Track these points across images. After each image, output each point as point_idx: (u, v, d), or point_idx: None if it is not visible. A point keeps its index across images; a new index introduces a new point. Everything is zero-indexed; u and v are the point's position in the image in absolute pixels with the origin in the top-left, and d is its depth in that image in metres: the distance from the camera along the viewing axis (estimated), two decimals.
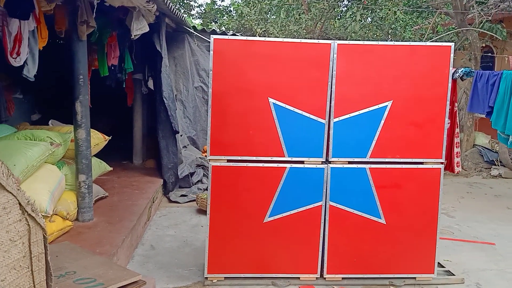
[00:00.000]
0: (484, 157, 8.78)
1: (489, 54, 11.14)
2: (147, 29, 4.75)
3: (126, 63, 5.86)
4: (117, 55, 5.56)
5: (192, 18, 21.98)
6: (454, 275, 4.02)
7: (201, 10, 21.74)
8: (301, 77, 3.63)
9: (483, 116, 6.35)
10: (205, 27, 8.25)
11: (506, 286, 3.90)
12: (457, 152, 4.72)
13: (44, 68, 4.90)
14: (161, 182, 6.28)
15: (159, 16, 5.68)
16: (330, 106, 3.67)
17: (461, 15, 8.50)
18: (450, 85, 3.75)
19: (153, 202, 5.62)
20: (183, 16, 6.59)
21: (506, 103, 5.20)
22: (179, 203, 6.18)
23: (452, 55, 3.73)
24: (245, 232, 3.74)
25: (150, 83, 6.92)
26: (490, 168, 8.64)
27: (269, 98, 3.62)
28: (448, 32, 9.67)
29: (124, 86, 6.47)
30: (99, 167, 5.00)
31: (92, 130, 4.70)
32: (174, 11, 5.69)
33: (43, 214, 3.67)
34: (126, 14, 4.88)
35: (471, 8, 8.32)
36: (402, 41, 10.90)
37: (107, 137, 5.07)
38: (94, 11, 3.89)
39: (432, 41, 9.29)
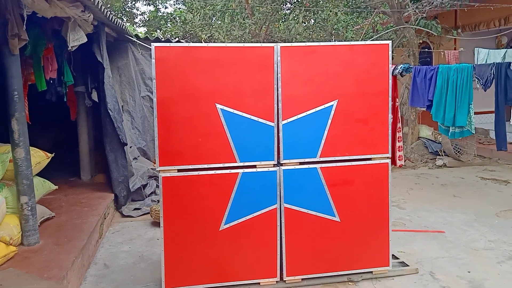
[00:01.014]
0: (429, 148, 9.16)
1: (426, 49, 11.69)
2: (85, 39, 4.57)
3: (65, 76, 5.60)
4: (55, 68, 5.30)
5: (136, 26, 21.53)
6: (408, 265, 4.13)
7: (144, 18, 21.35)
8: (247, 81, 3.62)
9: (424, 109, 6.65)
10: (148, 35, 8.09)
11: (458, 272, 4.06)
12: (399, 146, 4.89)
13: None
14: (113, 196, 6.06)
15: (97, 25, 5.49)
16: (277, 108, 3.68)
17: (397, 13, 8.84)
18: (390, 81, 3.86)
19: (105, 218, 5.41)
20: (123, 24, 6.41)
21: (443, 96, 5.44)
22: (132, 217, 5.99)
23: (390, 52, 3.84)
24: (201, 241, 3.67)
25: (94, 95, 6.68)
26: (435, 158, 9.02)
27: (216, 104, 3.57)
28: (387, 30, 10.03)
29: (65, 99, 6.19)
30: (43, 186, 4.75)
31: (32, 148, 4.45)
32: (113, 19, 5.52)
33: None
34: (62, 25, 4.68)
35: (406, 7, 8.67)
36: (344, 40, 11.21)
37: (49, 154, 4.82)
38: (25, 23, 3.68)
39: (373, 40, 9.60)
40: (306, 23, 11.36)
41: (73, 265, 3.79)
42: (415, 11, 8.30)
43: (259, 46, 3.63)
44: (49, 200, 5.49)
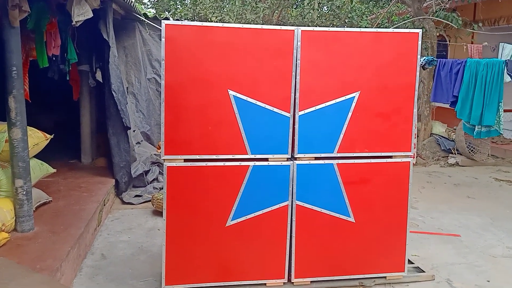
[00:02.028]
0: (441, 145, 8.86)
1: (442, 42, 11.29)
2: (90, 14, 4.28)
3: (69, 53, 5.32)
4: (59, 44, 5.02)
5: (145, 7, 21.10)
6: (424, 271, 3.89)
7: None
8: (263, 67, 3.33)
9: (440, 105, 6.31)
10: (157, 15, 7.76)
11: (476, 280, 3.81)
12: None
13: None
14: (113, 182, 5.82)
15: (105, 1, 5.19)
16: (294, 98, 3.40)
17: (417, 3, 8.47)
18: (418, 73, 3.57)
19: (104, 205, 5.17)
20: (131, 2, 6.10)
21: (471, 92, 5.12)
22: (133, 204, 5.75)
23: (420, 42, 3.54)
24: (206, 237, 3.42)
25: (98, 75, 6.39)
26: (447, 156, 8.73)
27: (229, 90, 3.29)
28: (404, 21, 9.66)
29: (68, 78, 5.91)
30: (40, 169, 4.50)
31: (30, 128, 4.20)
32: None
33: None
34: None
35: None
36: None
37: (48, 135, 4.56)
38: None
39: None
40: (320, 10, 10.99)
41: (68, 256, 3.57)
42: (438, 0, 7.93)
43: (279, 29, 3.33)
44: (47, 183, 5.25)
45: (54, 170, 4.75)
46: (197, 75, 3.26)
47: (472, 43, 10.12)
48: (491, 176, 7.63)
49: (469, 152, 8.39)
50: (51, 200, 4.74)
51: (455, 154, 8.67)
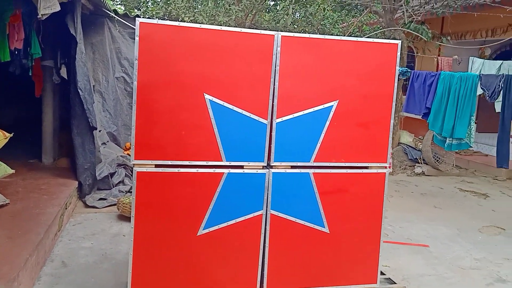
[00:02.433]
0: (409, 155, 9.01)
1: (409, 54, 11.54)
2: (57, 8, 4.04)
3: (32, 48, 5.03)
4: (22, 37, 4.74)
5: (113, 4, 20.59)
6: (395, 283, 3.87)
7: None
8: (241, 72, 3.22)
9: (408, 115, 6.33)
10: (127, 13, 7.51)
11: None
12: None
13: None
14: (76, 184, 5.55)
15: None
16: (272, 105, 3.30)
17: (389, 14, 8.59)
18: (396, 84, 3.55)
19: (66, 208, 4.91)
20: None
21: (443, 104, 5.18)
22: (97, 208, 5.50)
23: (399, 53, 3.53)
24: (176, 246, 3.26)
25: (63, 72, 6.10)
26: (414, 166, 8.88)
27: (205, 94, 3.16)
28: (376, 31, 9.79)
29: (30, 74, 5.60)
30: None
31: None
32: None
33: None
34: None
35: (403, 6, 8.38)
36: None
37: (8, 134, 4.28)
38: None
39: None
40: (293, 16, 10.99)
41: (26, 264, 3.33)
42: (409, 11, 8.05)
43: (258, 33, 3.23)
44: (4, 184, 4.95)
45: (13, 171, 4.47)
46: (172, 77, 3.11)
47: (439, 55, 10.39)
48: (456, 186, 7.81)
49: (435, 162, 8.56)
50: (9, 203, 4.46)
51: (421, 163, 8.83)
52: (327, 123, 3.42)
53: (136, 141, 3.10)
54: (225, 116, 3.21)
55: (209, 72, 3.15)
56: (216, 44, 3.14)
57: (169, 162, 3.17)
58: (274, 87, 3.28)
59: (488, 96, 5.34)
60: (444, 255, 4.66)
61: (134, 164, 3.12)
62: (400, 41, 3.52)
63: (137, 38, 2.99)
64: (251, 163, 3.32)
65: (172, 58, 3.10)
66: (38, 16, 3.82)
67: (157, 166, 3.16)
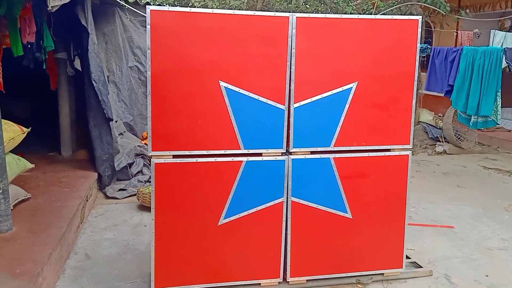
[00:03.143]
0: (429, 133, 8.81)
1: (426, 29, 11.20)
2: None
3: (45, 41, 5.00)
4: (34, 30, 4.71)
5: None
6: (421, 267, 3.79)
7: None
8: (256, 57, 3.13)
9: (427, 92, 6.12)
10: (137, 0, 7.41)
11: (475, 275, 3.73)
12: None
13: None
14: (96, 176, 5.56)
15: None
16: (289, 89, 3.21)
17: None
18: (418, 62, 3.42)
19: (87, 200, 4.93)
20: None
21: (467, 81, 4.98)
22: (117, 198, 5.52)
23: (419, 29, 3.38)
24: (197, 237, 3.24)
25: (77, 63, 6.08)
26: (435, 144, 8.69)
27: (219, 81, 3.08)
28: (391, 7, 9.50)
29: (44, 67, 5.59)
30: (17, 165, 4.23)
31: (5, 121, 3.94)
32: None
33: None
34: None
35: None
36: None
37: (25, 129, 4.28)
38: None
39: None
40: None
41: (50, 258, 3.34)
42: None
43: (272, 16, 3.12)
44: (25, 179, 4.97)
45: (32, 166, 4.48)
46: (185, 65, 3.04)
47: (457, 29, 10.06)
48: (479, 164, 7.61)
49: (457, 140, 8.35)
50: (30, 197, 4.48)
51: (442, 142, 8.63)
52: (347, 106, 3.32)
53: (152, 132, 3.06)
54: (241, 103, 3.14)
55: (223, 58, 3.07)
56: (228, 29, 3.05)
57: (187, 152, 3.13)
58: (290, 71, 3.18)
59: None
60: (470, 236, 4.55)
61: (151, 155, 3.09)
62: (420, 17, 3.37)
63: (148, 27, 2.92)
64: (270, 150, 3.26)
65: (185, 45, 3.02)
66: (48, 9, 3.77)
67: (174, 156, 3.12)
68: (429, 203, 5.61)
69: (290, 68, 3.18)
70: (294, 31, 3.15)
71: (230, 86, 3.10)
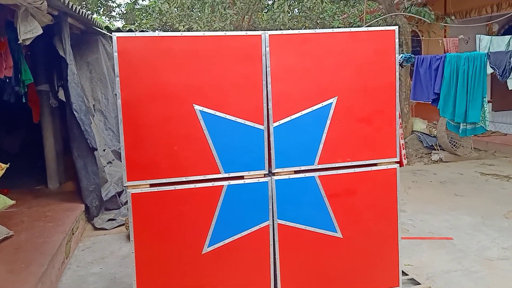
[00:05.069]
0: (424, 142, 8.71)
1: (415, 38, 11.21)
2: (39, 31, 3.91)
3: (23, 74, 4.93)
4: (11, 65, 4.65)
5: (113, 20, 20.67)
6: (419, 283, 3.63)
7: (121, 10, 20.52)
8: (230, 78, 3.03)
9: (429, 103, 6.03)
10: (120, 28, 7.41)
11: None
12: (402, 143, 4.37)
13: None
14: (83, 207, 5.43)
15: (58, 15, 4.82)
16: (267, 109, 3.10)
17: (388, 0, 8.32)
18: (397, 72, 3.33)
19: (73, 234, 4.78)
20: (88, 15, 5.74)
21: (453, 88, 4.90)
22: (106, 229, 5.37)
23: (397, 39, 3.30)
24: (181, 267, 3.09)
25: (61, 94, 5.99)
26: (430, 153, 8.58)
27: (194, 104, 2.98)
28: (377, 19, 9.52)
29: (24, 100, 5.50)
30: None
31: None
32: (76, 9, 4.85)
33: None
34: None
35: None
36: None
37: (3, 165, 4.17)
38: None
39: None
40: (291, 12, 10.78)
41: None
42: None
43: (244, 35, 3.04)
44: (9, 215, 4.85)
45: (13, 202, 4.35)
46: (158, 91, 2.94)
47: (445, 36, 10.04)
48: (476, 171, 7.49)
49: (452, 147, 8.25)
50: (13, 235, 4.35)
51: (438, 150, 8.52)
52: (328, 121, 3.21)
53: (127, 161, 2.94)
54: (218, 126, 3.03)
55: (196, 81, 2.98)
56: (200, 51, 2.96)
57: (164, 180, 3.00)
58: (267, 90, 3.09)
59: (499, 74, 5.03)
60: (469, 247, 4.40)
61: (127, 185, 2.97)
62: (397, 27, 3.30)
63: (115, 54, 2.83)
64: (252, 172, 3.14)
65: (157, 70, 2.93)
66: (19, 42, 3.70)
67: (152, 185, 2.99)
68: (427, 214, 5.47)
69: (267, 87, 3.09)
70: (267, 49, 3.06)
71: (205, 109, 3.00)
